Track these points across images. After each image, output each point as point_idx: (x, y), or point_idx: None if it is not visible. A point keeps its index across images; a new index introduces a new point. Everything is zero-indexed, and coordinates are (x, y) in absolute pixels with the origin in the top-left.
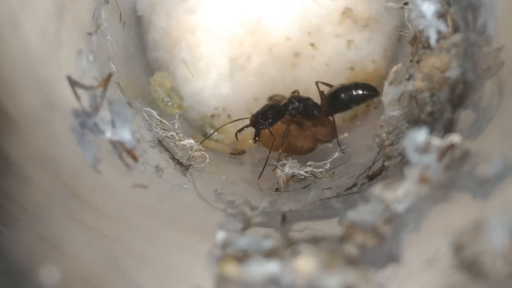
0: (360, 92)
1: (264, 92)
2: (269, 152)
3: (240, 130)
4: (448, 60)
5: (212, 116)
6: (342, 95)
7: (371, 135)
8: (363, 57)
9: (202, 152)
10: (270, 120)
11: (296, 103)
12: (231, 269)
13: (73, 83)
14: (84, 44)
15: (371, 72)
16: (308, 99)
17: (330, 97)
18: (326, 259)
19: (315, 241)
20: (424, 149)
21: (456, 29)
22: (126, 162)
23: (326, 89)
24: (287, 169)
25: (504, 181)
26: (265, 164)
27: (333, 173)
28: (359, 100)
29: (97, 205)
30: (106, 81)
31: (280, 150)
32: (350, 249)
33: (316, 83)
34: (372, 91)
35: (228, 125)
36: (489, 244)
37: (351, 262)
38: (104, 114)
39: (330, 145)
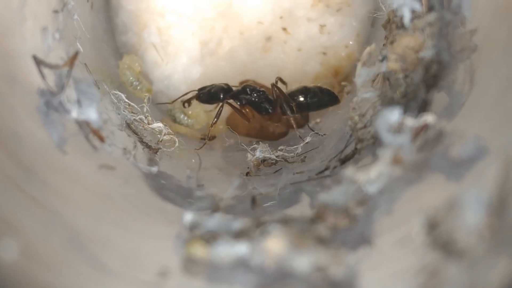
0: (318, 99)
1: (235, 76)
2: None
3: (188, 101)
4: (422, 40)
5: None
6: (301, 98)
7: (344, 120)
8: (336, 42)
9: (171, 136)
10: (206, 98)
11: (248, 92)
12: (199, 250)
13: (38, 62)
14: (50, 21)
15: (344, 57)
16: (262, 92)
17: (290, 95)
18: (296, 239)
19: (285, 221)
20: (397, 129)
21: (430, 8)
22: (93, 143)
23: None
24: (257, 154)
25: (477, 163)
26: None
27: (305, 157)
28: (316, 106)
29: (60, 187)
30: (72, 59)
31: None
32: (321, 230)
33: (277, 79)
34: (332, 100)
35: (198, 111)
36: (463, 221)
37: (322, 242)
38: (70, 93)
39: (302, 130)
